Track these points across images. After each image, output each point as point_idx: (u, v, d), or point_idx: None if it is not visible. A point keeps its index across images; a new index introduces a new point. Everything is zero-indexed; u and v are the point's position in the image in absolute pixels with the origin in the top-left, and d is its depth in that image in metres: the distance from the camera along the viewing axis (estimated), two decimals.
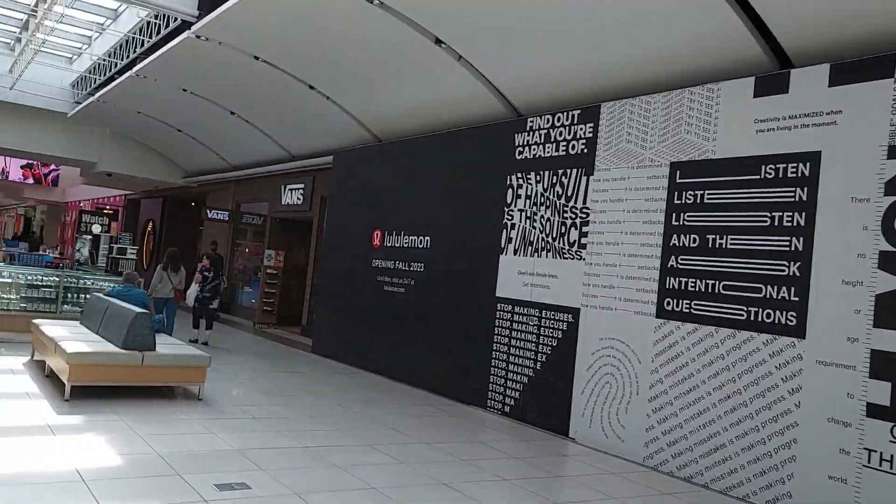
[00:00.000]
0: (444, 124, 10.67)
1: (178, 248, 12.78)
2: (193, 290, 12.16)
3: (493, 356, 8.78)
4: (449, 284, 9.75)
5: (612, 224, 7.50)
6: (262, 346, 13.53)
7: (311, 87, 12.11)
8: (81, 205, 33.84)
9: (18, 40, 17.76)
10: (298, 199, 16.05)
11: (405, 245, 10.72)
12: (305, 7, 9.58)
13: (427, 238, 10.31)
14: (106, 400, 7.02)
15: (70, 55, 19.15)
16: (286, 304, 16.53)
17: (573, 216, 7.96)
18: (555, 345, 7.99)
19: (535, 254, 8.38)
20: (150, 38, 13.94)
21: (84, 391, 7.05)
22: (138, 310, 7.57)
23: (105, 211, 28.21)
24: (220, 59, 12.01)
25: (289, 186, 16.40)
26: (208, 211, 18.87)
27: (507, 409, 8.51)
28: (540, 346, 8.17)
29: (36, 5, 15.57)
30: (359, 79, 11.31)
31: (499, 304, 8.80)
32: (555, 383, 7.92)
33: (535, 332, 8.25)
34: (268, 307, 16.35)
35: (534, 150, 8.62)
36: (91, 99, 17.53)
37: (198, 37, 11.18)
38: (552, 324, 8.04)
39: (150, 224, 26.52)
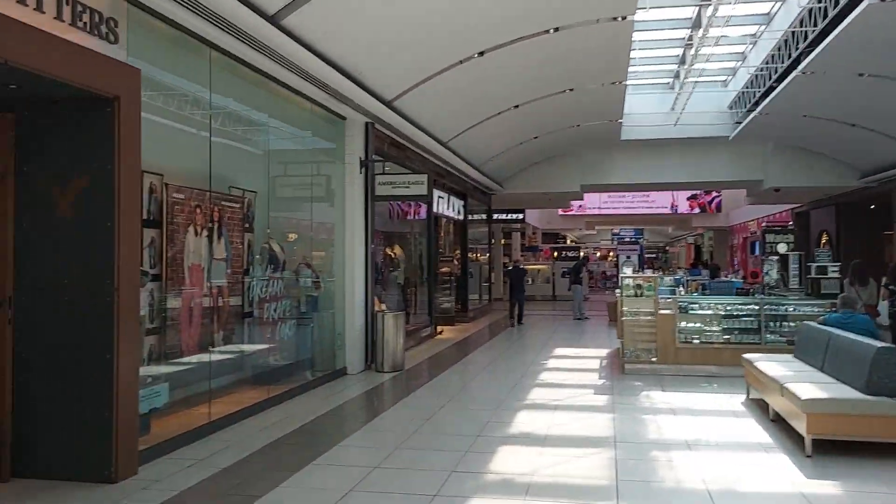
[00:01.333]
0: None
1: (860, 258, 10.95)
2: (883, 306, 10.26)
3: None
4: None
5: None
6: None
7: None
8: (750, 225, 33.91)
9: (676, 76, 18.48)
10: None
11: None
12: None
13: None
14: (853, 459, 5.61)
15: (724, 77, 19.03)
16: None
17: None
18: None
19: None
20: (814, 26, 12.35)
21: (823, 445, 5.80)
22: (880, 344, 5.96)
23: (774, 228, 27.32)
24: None
25: None
26: None
27: None
28: None
29: (690, 37, 15.88)
30: None
31: None
32: None
33: None
34: None
35: None
36: (752, 115, 16.87)
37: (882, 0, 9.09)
38: None
39: (825, 235, 24.31)
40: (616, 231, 51.62)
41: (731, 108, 19.36)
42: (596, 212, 36.47)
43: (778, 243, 12.59)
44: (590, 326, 17.49)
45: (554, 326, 17.52)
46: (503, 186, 21.00)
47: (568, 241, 47.89)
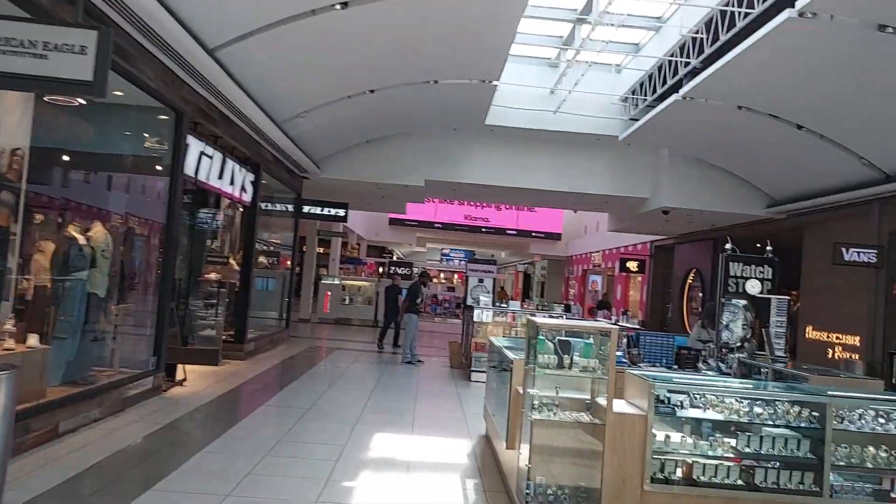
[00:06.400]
0: None
1: None
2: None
3: None
4: None
5: None
6: None
7: None
8: (594, 256, 30.47)
9: (568, 43, 13.70)
10: None
11: None
12: None
13: None
14: None
15: (623, 57, 14.51)
16: None
17: None
18: None
19: None
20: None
21: None
22: None
23: (630, 263, 23.73)
24: None
25: None
26: (843, 251, 11.88)
27: None
28: None
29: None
30: None
31: None
32: None
33: None
34: None
35: None
36: (657, 111, 12.43)
37: None
38: None
39: (693, 274, 20.87)
40: (446, 251, 47.43)
41: (625, 99, 14.92)
42: (429, 230, 31.88)
43: (747, 280, 7.73)
44: (426, 377, 11.95)
45: (374, 376, 11.76)
46: (320, 168, 15.04)
47: (395, 257, 42.72)
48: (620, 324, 13.44)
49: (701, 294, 20.02)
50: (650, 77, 13.47)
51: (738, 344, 7.50)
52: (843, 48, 8.32)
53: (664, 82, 12.70)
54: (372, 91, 11.43)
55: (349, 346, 16.03)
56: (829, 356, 12.79)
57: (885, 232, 11.74)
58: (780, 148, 12.28)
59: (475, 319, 12.10)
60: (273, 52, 8.75)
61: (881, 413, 4.57)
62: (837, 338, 12.82)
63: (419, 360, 13.41)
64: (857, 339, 12.23)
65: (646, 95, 13.73)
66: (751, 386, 5.14)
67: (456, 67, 11.05)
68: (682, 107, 11.46)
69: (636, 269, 23.33)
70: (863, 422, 4.52)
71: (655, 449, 4.47)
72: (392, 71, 10.87)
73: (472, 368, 11.72)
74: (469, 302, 14.16)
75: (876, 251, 11.57)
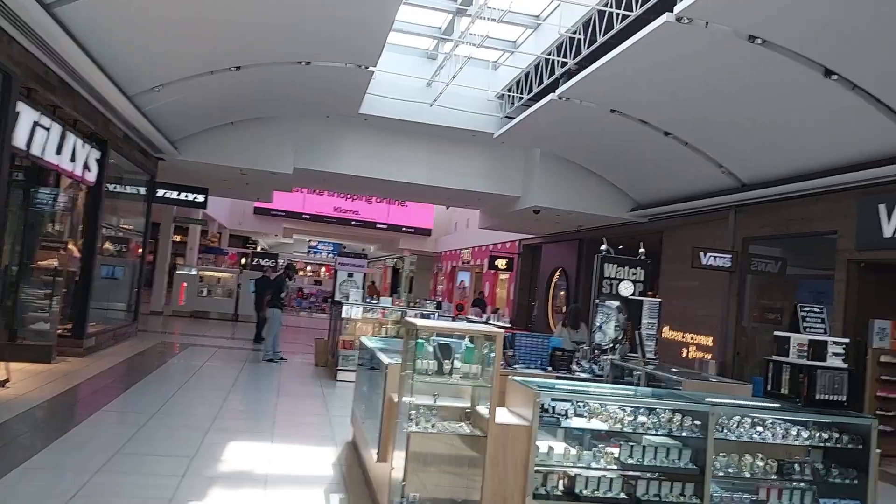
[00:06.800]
0: None
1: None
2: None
3: None
4: None
5: None
6: None
7: None
8: (463, 254, 30.58)
9: (447, 34, 13.42)
10: None
11: None
12: None
13: None
14: None
15: (500, 53, 14.42)
16: None
17: None
18: None
19: None
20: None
21: None
22: None
23: (499, 261, 23.90)
24: None
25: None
26: (701, 255, 12.38)
27: None
28: None
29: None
30: None
31: None
32: None
33: None
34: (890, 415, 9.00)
35: None
36: (532, 110, 12.39)
37: None
38: None
39: (559, 273, 21.33)
40: (313, 244, 46.25)
41: (501, 96, 14.87)
42: (297, 221, 30.83)
43: (621, 281, 7.70)
44: (289, 377, 11.25)
45: (231, 375, 10.90)
46: (178, 149, 13.86)
47: (259, 248, 41.02)
48: (492, 322, 13.35)
49: (564, 293, 20.50)
50: (526, 76, 13.47)
51: (611, 345, 7.46)
52: (713, 57, 8.52)
53: (540, 81, 12.72)
54: (238, 68, 10.57)
55: (205, 341, 14.96)
56: (684, 355, 13.34)
57: (740, 238, 12.35)
58: (647, 153, 12.60)
59: (344, 316, 11.54)
60: (125, 15, 7.79)
61: (757, 421, 4.54)
62: (692, 338, 13.39)
63: (282, 358, 12.66)
64: (710, 339, 12.81)
65: (522, 94, 13.73)
66: (633, 393, 5.01)
67: (331, 50, 10.44)
68: (556, 107, 11.46)
69: (505, 267, 23.53)
70: (741, 430, 4.46)
71: (538, 462, 4.19)
72: (261, 48, 10.10)
73: (339, 367, 11.16)
74: (338, 297, 13.56)
75: (730, 256, 12.14)
